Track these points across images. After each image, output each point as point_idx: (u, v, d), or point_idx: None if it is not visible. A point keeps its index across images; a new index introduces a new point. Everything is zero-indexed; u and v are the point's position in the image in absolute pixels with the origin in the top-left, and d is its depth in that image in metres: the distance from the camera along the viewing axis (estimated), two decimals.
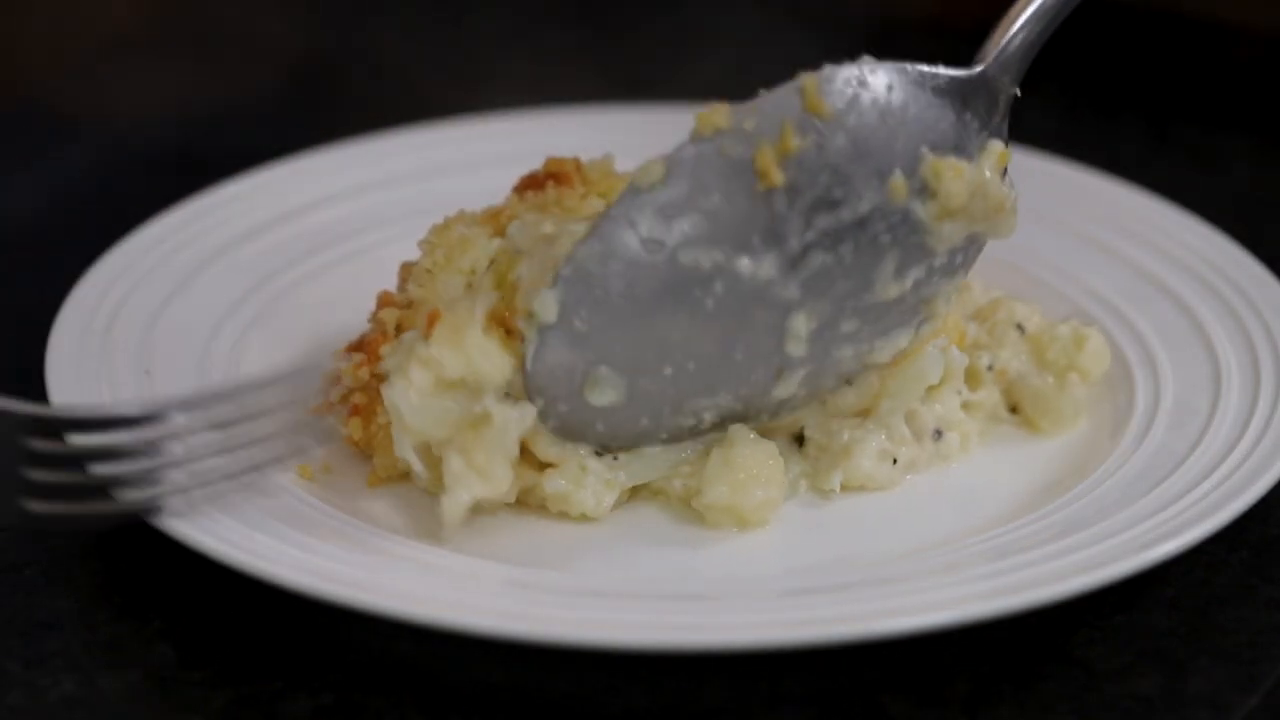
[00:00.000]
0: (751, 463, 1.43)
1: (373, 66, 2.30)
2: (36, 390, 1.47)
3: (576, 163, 1.56)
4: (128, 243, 1.66)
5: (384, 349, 1.44)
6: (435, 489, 1.42)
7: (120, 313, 1.57)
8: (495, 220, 1.52)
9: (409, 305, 1.48)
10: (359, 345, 1.49)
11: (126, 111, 2.15)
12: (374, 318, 1.50)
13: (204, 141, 2.08)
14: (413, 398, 1.39)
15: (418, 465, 1.42)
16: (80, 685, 1.31)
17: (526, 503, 1.45)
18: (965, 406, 1.53)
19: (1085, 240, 1.73)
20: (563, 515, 1.44)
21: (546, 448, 1.43)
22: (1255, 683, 1.32)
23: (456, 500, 1.39)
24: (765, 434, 1.47)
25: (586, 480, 1.43)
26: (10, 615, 1.37)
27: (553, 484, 1.43)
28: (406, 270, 1.54)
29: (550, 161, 1.55)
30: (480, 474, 1.40)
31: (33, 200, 1.96)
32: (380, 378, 1.42)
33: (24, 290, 1.66)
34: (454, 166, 1.82)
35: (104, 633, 1.35)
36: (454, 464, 1.40)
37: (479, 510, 1.44)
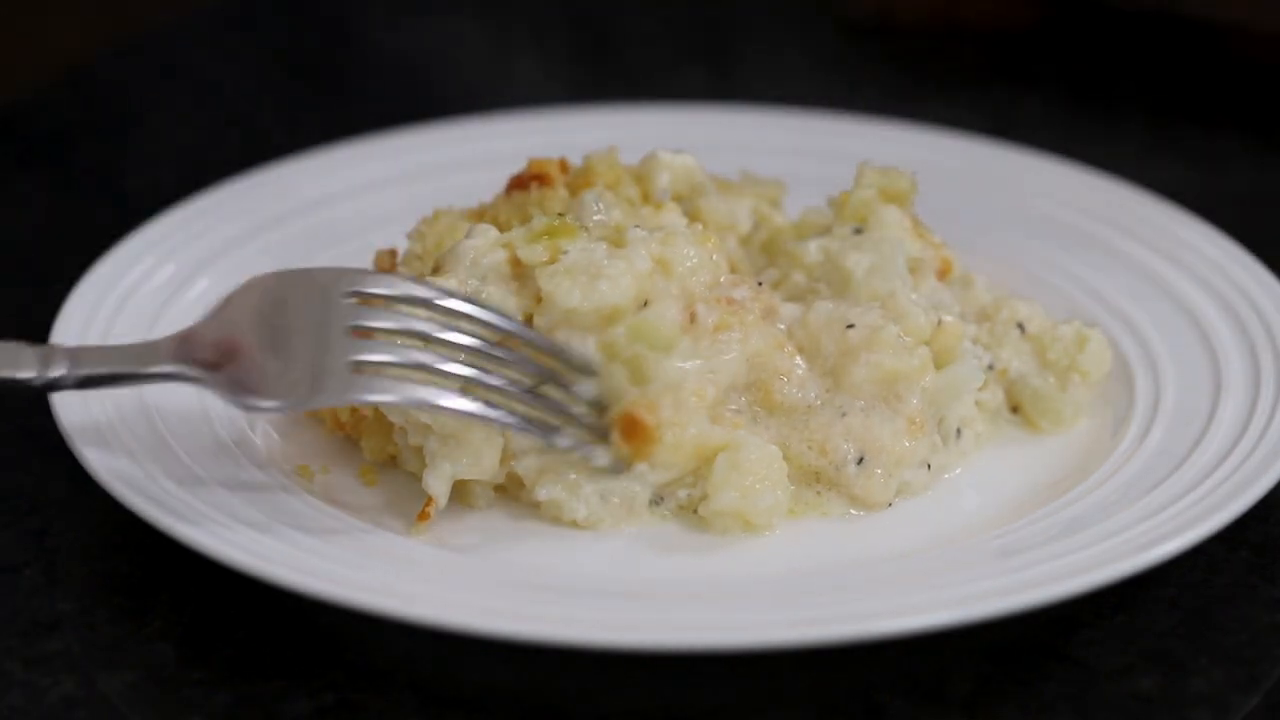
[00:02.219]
0: (759, 467, 1.42)
1: (374, 66, 2.31)
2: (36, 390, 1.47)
3: (562, 163, 1.57)
4: (128, 242, 1.66)
5: None
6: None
7: (120, 313, 1.57)
8: (480, 217, 1.55)
9: None
10: None
11: (128, 110, 2.15)
12: None
13: (204, 140, 2.09)
14: None
15: (416, 416, 1.42)
16: (80, 685, 1.31)
17: (523, 501, 1.45)
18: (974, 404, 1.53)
19: (1085, 240, 1.73)
20: (556, 520, 1.44)
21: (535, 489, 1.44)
22: (1255, 683, 1.32)
23: (440, 473, 1.40)
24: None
25: (579, 491, 1.43)
26: (10, 615, 1.36)
27: (544, 491, 1.43)
28: (380, 258, 1.56)
29: (533, 163, 1.56)
30: (466, 449, 1.40)
31: (33, 200, 1.96)
32: None
33: (24, 290, 1.66)
34: (454, 166, 1.82)
35: (104, 633, 1.35)
36: (433, 444, 1.41)
37: (479, 508, 1.45)
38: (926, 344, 1.48)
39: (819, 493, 1.46)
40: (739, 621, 1.31)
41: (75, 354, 1.36)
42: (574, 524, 1.43)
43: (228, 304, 1.38)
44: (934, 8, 2.30)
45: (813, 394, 1.47)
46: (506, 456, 1.44)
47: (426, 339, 1.37)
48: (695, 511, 1.45)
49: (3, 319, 1.72)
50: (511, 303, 1.43)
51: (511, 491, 1.46)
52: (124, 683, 1.31)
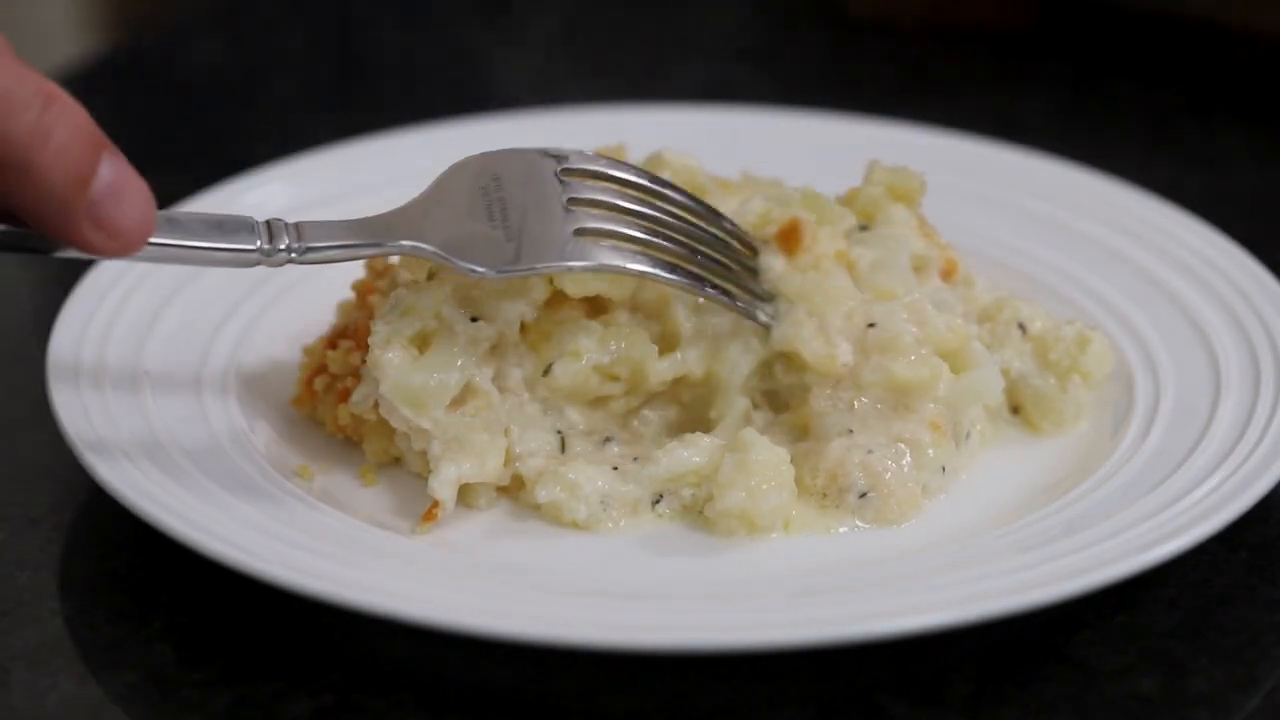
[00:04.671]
0: (766, 468, 1.42)
1: (373, 67, 2.31)
2: (36, 390, 1.47)
3: None
4: None
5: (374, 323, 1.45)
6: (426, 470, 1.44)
7: (120, 313, 1.57)
8: None
9: (394, 288, 1.49)
10: (343, 333, 1.51)
11: (128, 110, 2.15)
12: (359, 303, 1.52)
13: (204, 142, 2.09)
14: (398, 360, 1.41)
15: (417, 423, 1.42)
16: (80, 685, 1.31)
17: (524, 501, 1.45)
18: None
19: (1085, 240, 1.73)
20: (556, 521, 1.44)
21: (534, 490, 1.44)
22: (1255, 683, 1.32)
23: (445, 478, 1.41)
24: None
25: (580, 492, 1.43)
26: (11, 615, 1.36)
27: (544, 493, 1.43)
28: (372, 261, 1.55)
29: None
30: (470, 452, 1.40)
31: None
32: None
33: (24, 290, 1.66)
34: None
35: (104, 633, 1.35)
36: (436, 448, 1.41)
37: (480, 508, 1.45)
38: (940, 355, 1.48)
39: (826, 512, 1.46)
40: (739, 621, 1.31)
41: (301, 228, 1.38)
42: (574, 525, 1.43)
43: (442, 181, 1.44)
44: (935, 8, 2.30)
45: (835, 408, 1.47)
46: (510, 458, 1.44)
47: (638, 215, 1.45)
48: (700, 512, 1.45)
49: (2, 319, 1.72)
50: None
51: (513, 491, 1.46)
52: (124, 683, 1.31)
